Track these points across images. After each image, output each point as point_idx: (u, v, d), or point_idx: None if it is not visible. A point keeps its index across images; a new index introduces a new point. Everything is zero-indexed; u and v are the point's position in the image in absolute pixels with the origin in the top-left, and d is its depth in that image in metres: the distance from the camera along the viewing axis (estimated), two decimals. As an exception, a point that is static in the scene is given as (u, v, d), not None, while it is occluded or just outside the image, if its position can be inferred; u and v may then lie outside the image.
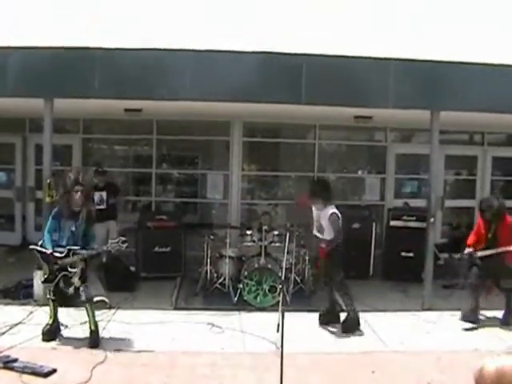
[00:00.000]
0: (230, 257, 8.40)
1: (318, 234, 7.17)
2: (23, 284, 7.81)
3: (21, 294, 7.69)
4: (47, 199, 7.55)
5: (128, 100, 8.27)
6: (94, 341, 6.20)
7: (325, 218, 6.99)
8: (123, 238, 6.32)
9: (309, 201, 7.16)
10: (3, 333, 6.47)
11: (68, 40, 7.86)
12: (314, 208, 7.18)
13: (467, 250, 7.43)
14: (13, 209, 11.83)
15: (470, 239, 7.56)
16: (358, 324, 7.05)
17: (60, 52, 7.54)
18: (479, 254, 7.32)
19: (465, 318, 7.33)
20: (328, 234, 7.00)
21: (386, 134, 12.06)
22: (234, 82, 7.65)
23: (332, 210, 6.99)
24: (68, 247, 6.19)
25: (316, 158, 11.75)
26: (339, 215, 7.01)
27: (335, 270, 7.06)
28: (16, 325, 6.72)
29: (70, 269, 6.15)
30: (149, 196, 11.73)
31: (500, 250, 7.14)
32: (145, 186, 11.84)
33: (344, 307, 7.09)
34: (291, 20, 9.36)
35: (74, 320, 6.74)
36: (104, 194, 9.71)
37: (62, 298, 6.34)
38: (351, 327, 6.98)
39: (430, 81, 7.89)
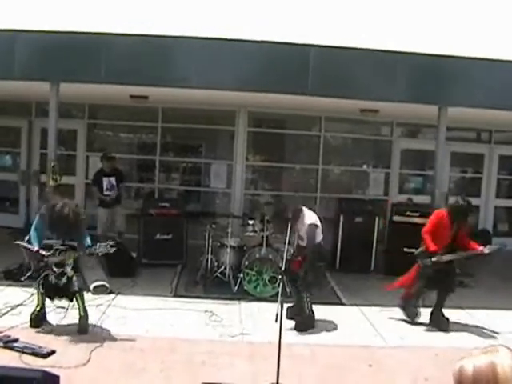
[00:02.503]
0: (231, 246, 8.39)
1: (300, 243, 6.99)
2: (25, 266, 7.81)
3: (23, 276, 7.70)
4: (51, 182, 7.57)
5: (134, 86, 8.26)
6: (83, 327, 6.17)
7: (304, 227, 6.76)
8: (111, 243, 6.32)
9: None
10: (5, 313, 6.53)
11: (75, 24, 7.85)
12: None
13: (436, 257, 6.78)
14: (17, 192, 11.88)
15: (434, 244, 6.81)
16: (313, 323, 6.81)
17: (67, 36, 7.55)
18: (445, 258, 6.77)
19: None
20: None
21: (392, 129, 12.02)
22: (240, 71, 7.64)
23: (309, 220, 6.75)
24: (54, 243, 6.15)
25: (321, 151, 11.72)
26: (317, 223, 6.79)
27: (308, 270, 6.79)
28: (17, 306, 6.76)
29: (55, 268, 6.08)
30: (152, 183, 11.74)
31: (470, 252, 6.76)
32: (148, 174, 11.85)
33: (303, 304, 6.80)
34: (298, 10, 9.31)
35: (71, 304, 6.73)
36: (113, 179, 9.79)
37: (52, 290, 6.25)
38: (306, 325, 6.71)
39: (439, 76, 7.85)
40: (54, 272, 6.11)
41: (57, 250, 6.12)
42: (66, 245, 6.17)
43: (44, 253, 6.11)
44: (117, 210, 9.90)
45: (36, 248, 6.15)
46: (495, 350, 1.68)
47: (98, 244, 6.27)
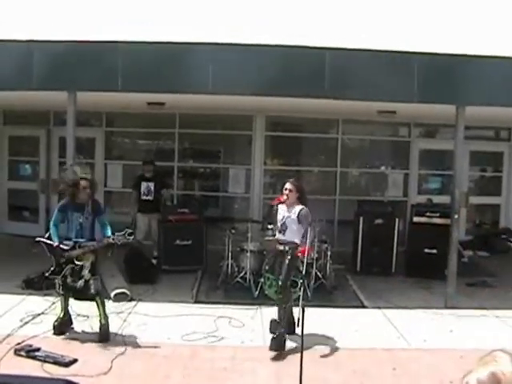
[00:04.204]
0: (251, 251, 8.37)
1: (279, 236, 6.50)
2: (46, 275, 7.86)
3: (43, 284, 7.74)
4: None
5: (151, 93, 8.29)
6: (104, 335, 6.14)
7: (294, 214, 6.35)
8: (129, 231, 6.25)
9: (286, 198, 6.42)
10: (26, 322, 6.55)
11: (91, 33, 7.90)
12: (281, 207, 6.52)
13: None
14: (37, 201, 11.96)
15: None
16: (284, 344, 6.11)
17: (83, 45, 7.58)
18: None
19: None
20: (292, 234, 6.35)
21: (410, 130, 11.94)
22: (256, 76, 7.62)
23: (303, 206, 6.40)
24: (75, 240, 6.16)
25: (339, 153, 11.68)
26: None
27: (291, 273, 6.33)
28: (38, 315, 6.79)
29: (76, 261, 6.10)
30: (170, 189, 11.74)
31: None
32: (167, 180, 11.86)
33: (281, 318, 6.25)
34: (313, 13, 9.29)
35: (92, 312, 6.75)
36: (152, 184, 9.71)
37: (71, 292, 6.30)
38: (280, 345, 6.05)
39: (456, 75, 7.75)
40: (76, 265, 6.10)
41: (76, 242, 6.14)
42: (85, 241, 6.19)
43: (64, 247, 6.14)
44: (154, 217, 9.72)
45: (56, 243, 6.16)
46: (493, 360, 1.66)
47: (116, 234, 6.16)
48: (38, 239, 6.42)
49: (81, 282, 6.15)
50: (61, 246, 6.16)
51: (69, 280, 6.17)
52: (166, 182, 10.27)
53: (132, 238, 6.22)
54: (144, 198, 9.68)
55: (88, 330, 6.40)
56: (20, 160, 12.40)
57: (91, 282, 6.18)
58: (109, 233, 6.22)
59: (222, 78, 7.56)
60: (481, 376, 1.63)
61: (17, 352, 5.59)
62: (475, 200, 12.01)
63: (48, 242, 6.27)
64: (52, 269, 6.25)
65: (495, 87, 7.70)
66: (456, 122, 7.92)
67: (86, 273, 6.15)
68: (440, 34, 8.91)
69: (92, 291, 6.19)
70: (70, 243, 6.19)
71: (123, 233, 6.13)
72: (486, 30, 9.13)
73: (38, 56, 7.63)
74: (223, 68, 7.54)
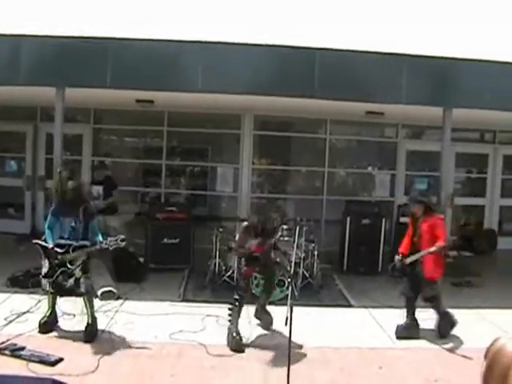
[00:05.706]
0: (238, 250, 8.36)
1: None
2: (32, 273, 7.79)
3: (29, 282, 7.69)
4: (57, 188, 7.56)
5: (140, 91, 8.27)
6: (90, 335, 6.10)
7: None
8: (122, 236, 6.25)
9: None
10: (11, 321, 6.47)
11: (81, 29, 7.86)
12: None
13: (397, 258, 6.73)
14: (22, 198, 11.85)
15: (402, 245, 6.85)
16: (241, 348, 6.08)
17: (72, 41, 7.56)
18: (407, 260, 6.59)
19: (398, 334, 6.66)
20: None
21: (398, 131, 12.01)
22: (245, 75, 7.64)
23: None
24: (68, 243, 6.16)
25: (327, 153, 11.72)
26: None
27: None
28: (24, 313, 6.71)
29: (69, 265, 6.11)
30: (158, 188, 11.73)
31: (422, 253, 6.46)
32: (154, 178, 11.83)
33: (231, 321, 6.30)
34: (304, 13, 9.31)
35: (79, 310, 6.69)
36: (100, 188, 9.56)
37: (61, 290, 6.28)
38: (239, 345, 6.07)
39: (443, 78, 7.86)
40: (69, 269, 6.11)
41: (70, 246, 6.13)
42: (78, 244, 6.18)
43: (59, 250, 6.13)
44: (111, 219, 9.45)
45: (51, 245, 6.17)
46: None
47: (109, 239, 6.20)
48: (34, 241, 6.42)
49: (71, 281, 6.14)
50: (55, 248, 6.15)
51: (59, 279, 6.15)
52: (114, 184, 9.98)
53: (124, 243, 6.24)
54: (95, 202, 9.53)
55: (74, 328, 6.34)
56: (5, 156, 12.28)
57: (82, 280, 6.16)
58: (100, 239, 6.24)
59: (212, 77, 7.57)
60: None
61: (1, 351, 5.52)
62: (460, 201, 12.14)
63: (43, 244, 6.27)
64: (46, 271, 6.22)
65: (482, 90, 7.80)
66: (443, 123, 8.01)
67: (77, 271, 6.14)
68: (429, 37, 8.99)
69: (82, 290, 6.17)
70: (65, 242, 6.18)
71: (115, 238, 6.18)
72: (474, 33, 9.21)
73: (26, 51, 7.59)
74: (213, 66, 7.55)
